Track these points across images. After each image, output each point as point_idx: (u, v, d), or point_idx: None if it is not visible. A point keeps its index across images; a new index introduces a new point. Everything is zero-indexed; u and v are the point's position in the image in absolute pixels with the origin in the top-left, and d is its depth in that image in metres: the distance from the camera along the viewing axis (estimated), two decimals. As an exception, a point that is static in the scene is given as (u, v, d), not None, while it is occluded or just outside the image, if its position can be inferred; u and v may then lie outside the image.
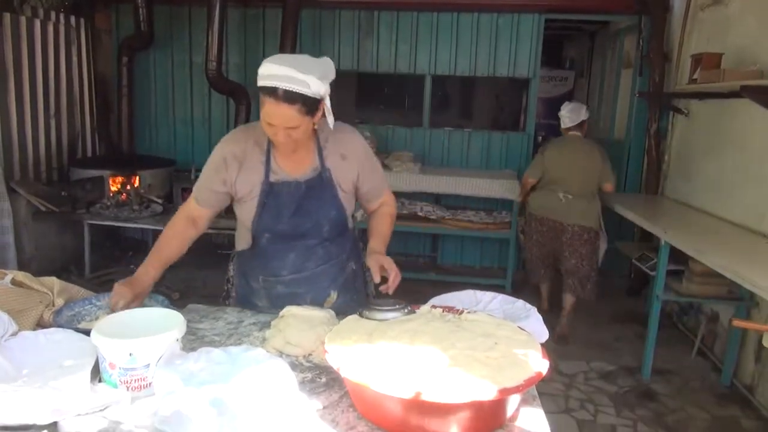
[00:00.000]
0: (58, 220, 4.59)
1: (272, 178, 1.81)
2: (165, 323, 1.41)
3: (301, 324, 1.51)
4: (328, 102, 1.70)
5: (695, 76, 3.76)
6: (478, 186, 4.82)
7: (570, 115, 4.07)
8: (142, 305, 1.71)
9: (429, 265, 5.52)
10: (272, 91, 1.58)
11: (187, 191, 4.92)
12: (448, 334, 1.30)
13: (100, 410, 1.24)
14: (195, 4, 5.39)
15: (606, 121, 6.20)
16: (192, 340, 1.62)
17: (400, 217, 5.32)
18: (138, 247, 5.48)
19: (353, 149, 1.88)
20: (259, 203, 1.83)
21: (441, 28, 5.36)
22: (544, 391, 3.27)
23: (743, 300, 3.37)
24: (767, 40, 3.39)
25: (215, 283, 4.76)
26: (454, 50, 5.39)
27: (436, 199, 5.35)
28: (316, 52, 5.76)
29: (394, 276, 1.74)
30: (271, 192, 1.81)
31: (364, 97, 7.73)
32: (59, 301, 1.71)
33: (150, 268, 1.78)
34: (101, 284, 4.49)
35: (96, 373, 1.35)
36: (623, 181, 5.40)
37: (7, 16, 4.30)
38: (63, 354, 1.41)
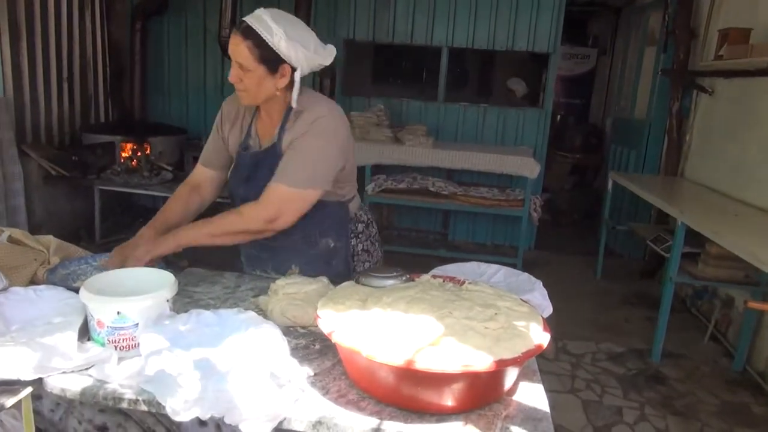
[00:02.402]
0: (68, 184, 4.59)
1: (248, 143, 1.81)
2: (156, 283, 1.37)
3: (297, 300, 1.46)
4: (297, 76, 1.63)
5: (722, 52, 3.61)
6: (492, 161, 4.72)
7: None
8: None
9: (439, 242, 5.47)
10: (239, 24, 1.60)
11: (197, 160, 4.90)
12: (446, 302, 1.24)
13: (86, 368, 1.21)
14: (209, -31, 5.31)
15: (627, 100, 6.04)
16: (187, 303, 1.59)
17: (410, 192, 5.27)
18: (148, 214, 5.44)
19: (300, 131, 1.68)
20: (233, 166, 1.85)
21: (459, -1, 5.22)
22: (549, 370, 3.23)
23: (760, 285, 3.28)
24: (800, 15, 3.24)
25: (225, 252, 4.79)
26: (473, 22, 5.25)
27: (449, 174, 5.27)
28: (332, 21, 5.66)
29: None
30: (239, 157, 1.82)
31: (380, 70, 7.61)
32: (55, 260, 1.69)
33: (147, 229, 1.77)
34: (111, 250, 4.51)
35: (85, 332, 1.32)
36: (642, 162, 5.27)
37: (19, -23, 4.25)
38: (52, 310, 1.38)
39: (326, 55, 1.67)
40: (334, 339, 1.14)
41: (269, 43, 1.56)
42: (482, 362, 1.05)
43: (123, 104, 5.56)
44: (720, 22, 4.17)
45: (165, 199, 5.30)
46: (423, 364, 1.04)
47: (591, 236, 5.96)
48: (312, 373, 1.24)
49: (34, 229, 4.33)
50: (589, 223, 6.39)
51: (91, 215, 4.64)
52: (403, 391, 1.11)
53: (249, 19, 1.58)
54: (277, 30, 1.56)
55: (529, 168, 4.64)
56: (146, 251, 1.63)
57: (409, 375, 1.07)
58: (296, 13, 4.78)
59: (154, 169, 4.65)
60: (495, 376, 1.11)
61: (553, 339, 3.50)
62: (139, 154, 4.66)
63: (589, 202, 6.67)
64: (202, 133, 5.19)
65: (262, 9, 1.60)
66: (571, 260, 5.31)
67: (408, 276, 1.44)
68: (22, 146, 4.31)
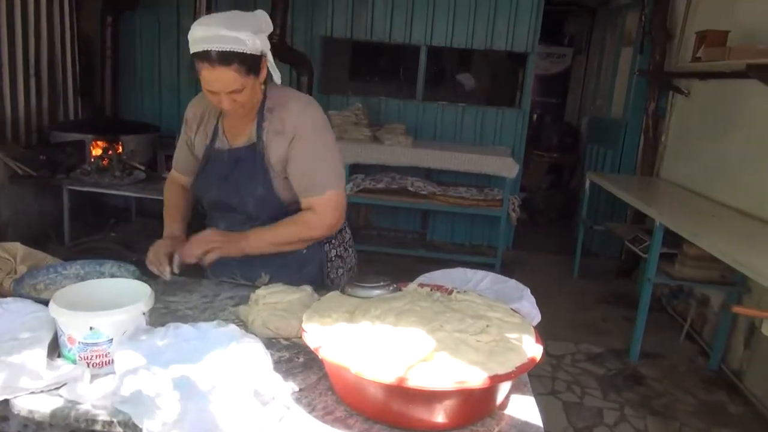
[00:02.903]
0: (36, 184, 4.42)
1: (216, 144, 1.74)
2: (132, 295, 1.31)
3: (279, 311, 1.40)
4: (270, 57, 1.58)
5: (699, 54, 3.64)
6: (471, 161, 4.71)
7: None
8: (112, 277, 1.61)
9: (418, 242, 5.44)
10: (205, 56, 1.45)
11: (170, 158, 4.77)
12: (436, 314, 1.21)
13: (57, 388, 1.14)
14: (183, -36, 5.18)
15: (603, 99, 6.09)
16: (163, 314, 1.52)
17: (389, 192, 5.23)
18: (120, 215, 5.34)
19: (294, 124, 1.63)
20: (200, 169, 1.79)
21: (438, -2, 5.19)
22: (531, 372, 3.20)
23: (736, 285, 3.32)
24: (775, 19, 3.28)
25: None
26: (451, 21, 5.23)
27: (427, 174, 5.24)
28: (309, 18, 5.56)
29: (197, 242, 1.65)
30: (208, 159, 1.76)
31: (358, 68, 7.55)
32: (22, 269, 1.61)
33: (175, 228, 1.79)
34: (81, 252, 4.37)
35: (55, 347, 1.25)
36: (618, 162, 5.31)
37: (-17, -31, 4.08)
38: (19, 325, 1.30)
39: (266, 22, 1.57)
40: (321, 355, 1.09)
41: (247, 52, 1.48)
42: (476, 378, 1.02)
43: (94, 101, 5.40)
44: (696, 24, 4.22)
45: (138, 199, 5.16)
46: (416, 382, 1.00)
47: (568, 235, 6.00)
48: (297, 389, 1.19)
49: (0, 231, 4.19)
50: (566, 223, 6.44)
51: (60, 216, 4.49)
52: (394, 408, 1.07)
53: (213, 46, 1.44)
54: (241, 35, 1.46)
55: (508, 168, 4.64)
56: (202, 250, 1.63)
57: (401, 392, 1.03)
58: (273, 11, 4.71)
59: (126, 168, 4.52)
60: (488, 391, 1.07)
61: (537, 331, 3.53)
62: (110, 152, 4.51)
63: (566, 201, 6.72)
64: (176, 131, 5.04)
65: (204, 27, 1.46)
66: (548, 259, 5.34)
67: (395, 285, 1.40)
68: (-13, 145, 4.16)
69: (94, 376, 1.19)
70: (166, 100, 5.59)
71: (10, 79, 4.44)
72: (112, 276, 1.63)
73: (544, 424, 1.15)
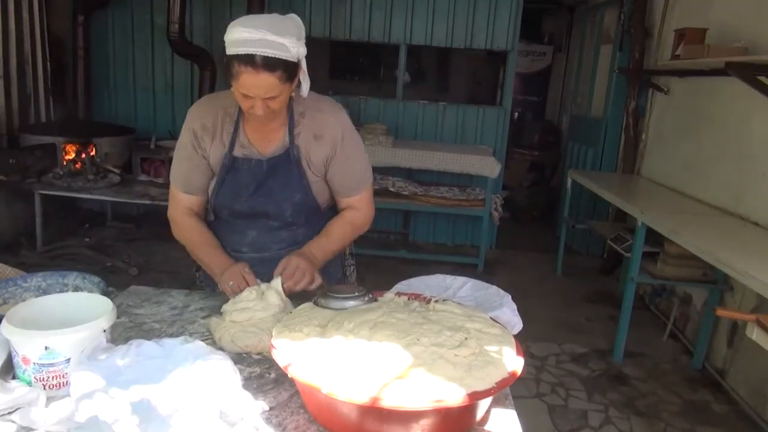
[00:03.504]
0: (6, 189, 4.30)
1: (237, 152, 1.64)
2: (92, 311, 1.23)
3: (249, 327, 1.33)
4: (305, 65, 1.52)
5: (678, 52, 3.63)
6: (452, 161, 4.66)
7: None
8: (76, 289, 1.54)
9: (400, 242, 5.39)
10: (249, 59, 1.38)
11: (146, 161, 4.68)
12: (413, 326, 1.15)
13: (9, 413, 1.07)
14: (157, -39, 5.07)
15: (584, 97, 6.08)
16: (129, 328, 1.46)
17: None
18: (95, 219, 5.22)
19: (330, 129, 1.64)
20: (219, 178, 1.66)
21: (417, -5, 5.14)
22: (514, 374, 3.18)
23: (717, 283, 3.31)
24: (752, 17, 3.28)
25: (177, 257, 4.60)
26: (431, 19, 5.18)
27: (409, 174, 5.19)
28: (286, 17, 5.38)
29: (289, 275, 1.52)
30: (232, 167, 1.65)
31: (337, 67, 7.48)
32: (-22, 282, 1.52)
33: (225, 260, 1.64)
34: (54, 258, 4.26)
35: (9, 368, 1.17)
36: (599, 159, 5.31)
37: (-55, -34, 3.94)
38: (-29, 345, 1.22)
39: (303, 28, 1.52)
40: (291, 373, 1.04)
41: (289, 59, 1.42)
42: (454, 396, 0.97)
43: (65, 103, 5.26)
44: (674, 22, 4.21)
45: (113, 203, 5.04)
46: (390, 402, 0.95)
47: (550, 233, 6.00)
48: (267, 408, 1.13)
49: (-31, 238, 4.06)
50: (549, 220, 6.44)
51: (32, 221, 4.36)
52: (368, 429, 1.01)
53: (258, 50, 1.37)
54: (286, 41, 1.40)
55: (490, 167, 4.61)
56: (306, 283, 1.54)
57: (375, 413, 0.98)
58: (249, 6, 4.62)
59: (100, 171, 4.41)
60: (467, 409, 1.02)
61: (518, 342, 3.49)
62: (82, 155, 4.40)
63: (548, 199, 6.72)
64: (152, 133, 4.96)
65: (249, 29, 1.38)
66: (531, 258, 5.32)
67: (371, 295, 1.34)
68: (-46, 149, 4.02)
69: (50, 399, 1.12)
70: (141, 101, 5.47)
71: (-23, 81, 4.30)
72: (76, 288, 1.56)
73: (529, 428, 1.10)
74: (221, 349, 1.30)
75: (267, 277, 1.54)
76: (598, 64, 5.67)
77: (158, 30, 5.22)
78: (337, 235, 1.71)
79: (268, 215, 1.70)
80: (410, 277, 1.61)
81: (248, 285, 1.50)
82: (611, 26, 5.35)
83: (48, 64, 5.05)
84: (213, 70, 4.92)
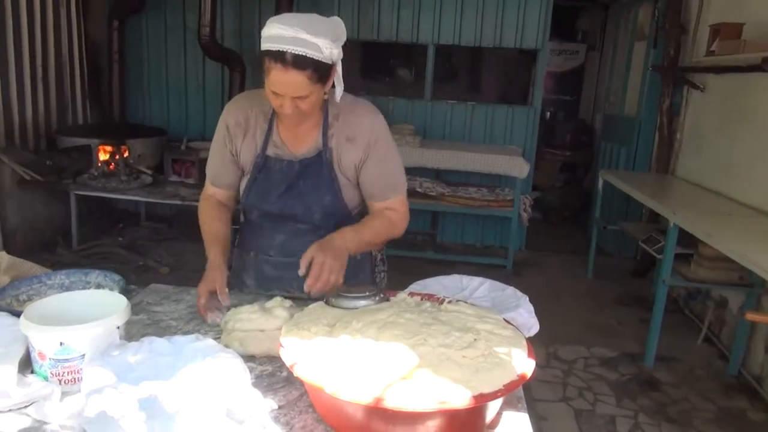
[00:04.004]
0: (44, 190, 4.44)
1: (270, 151, 1.64)
2: (109, 308, 1.25)
3: (257, 334, 1.32)
4: (340, 68, 1.51)
5: (713, 48, 3.52)
6: (480, 161, 4.62)
7: None
8: (98, 287, 1.57)
9: (428, 243, 5.36)
10: (280, 56, 1.38)
11: (177, 162, 4.77)
12: (421, 327, 1.13)
13: (25, 406, 1.10)
14: (189, -34, 5.17)
15: (617, 96, 5.95)
16: (146, 325, 1.48)
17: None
18: (129, 218, 5.35)
19: (364, 132, 1.62)
20: (251, 177, 1.67)
21: (446, -7, 5.11)
22: (541, 377, 3.13)
23: (754, 287, 3.19)
24: (793, 9, 3.16)
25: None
26: (459, 18, 5.15)
27: (437, 174, 5.16)
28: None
29: (315, 277, 1.42)
30: (264, 166, 1.65)
31: (366, 68, 7.49)
32: (4, 279, 1.57)
33: (218, 259, 1.59)
34: (88, 257, 4.38)
35: (28, 363, 1.20)
36: (633, 159, 5.18)
37: (-12, -25, 4.10)
38: (-7, 340, 1.26)
39: (343, 31, 1.50)
40: (296, 372, 1.03)
41: (321, 60, 1.41)
42: (459, 398, 0.95)
43: (101, 105, 5.41)
44: (710, 17, 4.09)
45: (147, 204, 5.15)
46: (393, 402, 0.93)
47: (582, 234, 5.89)
48: (276, 406, 1.13)
49: (9, 237, 4.20)
50: (580, 221, 6.32)
51: (69, 221, 4.49)
52: (374, 429, 1.00)
53: (290, 47, 1.37)
54: (320, 41, 1.39)
55: (518, 168, 4.55)
56: (325, 283, 1.44)
57: (379, 413, 0.97)
58: (278, 9, 4.66)
59: (133, 172, 4.51)
60: (474, 411, 1.00)
61: (544, 344, 3.43)
62: (116, 157, 4.51)
63: (580, 199, 6.59)
64: (184, 135, 5.05)
65: (284, 26, 1.38)
66: (562, 259, 5.23)
67: (383, 295, 1.33)
68: (-5, 151, 4.17)
69: (65, 394, 1.14)
70: (173, 103, 5.58)
71: (17, 85, 4.46)
72: (98, 286, 1.60)
73: (545, 430, 1.08)
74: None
75: (297, 283, 1.52)
76: (632, 62, 5.54)
77: (190, 33, 5.31)
78: (372, 228, 1.64)
79: (296, 218, 1.69)
80: None
81: (220, 304, 1.49)
82: (645, 23, 5.22)
83: (85, 68, 5.20)
84: (243, 71, 4.99)
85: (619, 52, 6.09)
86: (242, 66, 4.98)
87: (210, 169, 1.75)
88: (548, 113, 7.77)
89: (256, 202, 1.70)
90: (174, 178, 4.71)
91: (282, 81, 1.41)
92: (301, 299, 1.50)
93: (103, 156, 4.52)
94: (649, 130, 4.99)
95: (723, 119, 3.89)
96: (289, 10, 4.68)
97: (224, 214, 1.75)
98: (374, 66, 7.47)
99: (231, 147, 1.67)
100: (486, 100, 6.32)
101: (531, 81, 5.99)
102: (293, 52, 1.37)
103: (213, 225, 1.71)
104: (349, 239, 1.56)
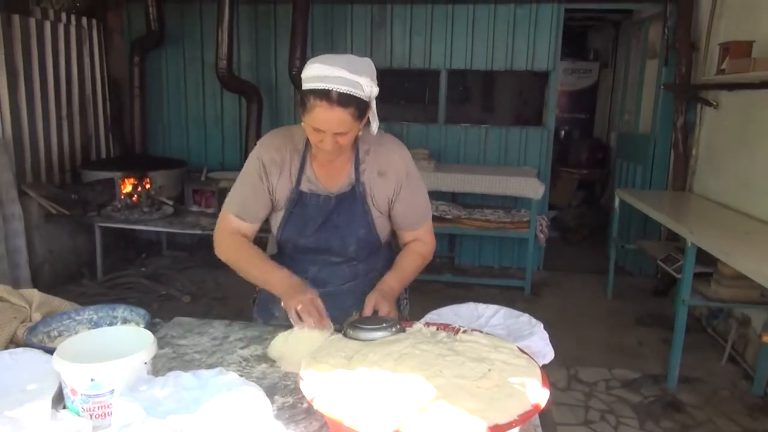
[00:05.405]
0: (69, 223, 4.57)
1: (304, 187, 1.70)
2: (137, 343, 1.31)
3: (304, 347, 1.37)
4: (374, 105, 1.58)
5: (723, 66, 3.54)
6: (495, 184, 4.65)
7: None
8: (124, 321, 1.63)
9: (446, 266, 5.38)
10: (325, 94, 1.45)
11: (197, 193, 4.88)
12: (437, 358, 1.17)
13: (58, 441, 1.15)
14: (205, 1, 5.33)
15: (631, 114, 5.96)
16: (172, 359, 1.52)
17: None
18: (152, 248, 5.45)
19: (395, 166, 1.70)
20: (286, 213, 1.72)
21: (456, 21, 5.20)
22: (562, 401, 3.12)
23: (777, 305, 3.16)
24: (802, 26, 3.17)
25: (228, 284, 4.75)
26: (470, 44, 5.23)
27: (453, 197, 5.21)
28: (329, 46, 5.61)
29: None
30: (299, 202, 1.70)
31: (380, 93, 7.58)
32: (37, 316, 1.63)
33: (279, 273, 1.62)
34: (113, 287, 4.47)
35: (61, 398, 1.26)
36: (649, 177, 5.17)
37: (16, 18, 4.27)
38: (28, 376, 1.31)
39: (374, 70, 1.57)
40: (316, 406, 1.07)
41: (362, 97, 1.49)
42: (474, 430, 0.97)
43: (123, 139, 5.56)
44: (720, 35, 4.11)
45: (168, 234, 5.25)
46: (410, 434, 0.96)
47: (601, 253, 5.85)
48: (297, 438, 1.17)
49: (36, 270, 4.32)
50: (599, 240, 6.28)
51: (93, 253, 4.61)
52: (392, 460, 1.03)
53: (335, 86, 1.44)
54: (361, 80, 1.47)
55: (533, 189, 4.57)
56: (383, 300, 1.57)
57: (397, 445, 1.00)
58: (292, 42, 4.79)
59: (155, 203, 4.63)
60: (490, 442, 1.03)
61: (565, 367, 3.42)
62: (138, 189, 4.63)
63: (598, 217, 6.56)
64: (203, 165, 5.17)
65: (327, 66, 1.45)
66: (581, 279, 5.20)
67: (399, 326, 1.36)
68: (22, 186, 4.31)
69: (96, 428, 1.18)
70: (193, 134, 5.72)
71: (44, 122, 4.62)
72: (125, 320, 1.65)
73: None
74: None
75: (332, 313, 1.55)
76: (645, 80, 5.56)
77: (208, 66, 5.47)
78: (410, 267, 1.74)
79: (331, 251, 1.75)
80: (456, 300, 1.64)
81: (319, 319, 1.47)
82: (656, 41, 5.25)
83: (108, 103, 5.37)
84: (260, 102, 5.11)
85: (631, 70, 6.12)
86: (259, 97, 5.10)
87: (236, 202, 1.73)
88: (563, 132, 7.79)
89: (292, 236, 1.74)
90: (195, 208, 4.81)
91: (326, 118, 1.47)
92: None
93: (126, 188, 4.64)
94: (665, 147, 4.99)
95: (738, 135, 3.88)
96: (304, 42, 4.81)
97: (248, 242, 1.75)
98: (388, 92, 7.58)
99: (267, 183, 1.70)
100: (500, 120, 6.38)
101: (544, 102, 6.03)
102: (338, 90, 1.44)
103: (253, 250, 1.70)
104: (396, 285, 1.67)
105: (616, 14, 6.68)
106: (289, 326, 1.54)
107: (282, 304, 1.56)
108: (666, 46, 4.80)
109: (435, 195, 5.02)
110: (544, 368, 1.22)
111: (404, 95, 7.67)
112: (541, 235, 4.86)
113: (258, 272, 1.67)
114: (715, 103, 4.20)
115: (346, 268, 1.79)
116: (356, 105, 1.48)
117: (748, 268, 2.54)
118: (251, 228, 1.75)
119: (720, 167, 4.13)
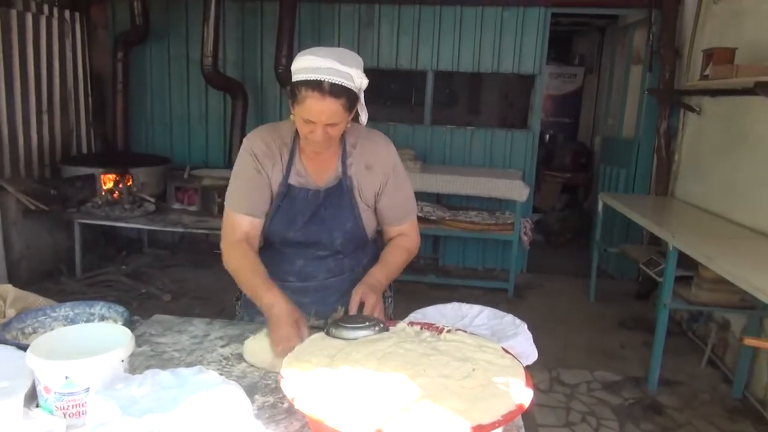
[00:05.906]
0: (48, 218, 4.48)
1: (293, 180, 1.68)
2: (113, 341, 1.27)
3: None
4: (362, 97, 1.58)
5: (707, 72, 3.57)
6: (480, 185, 4.66)
7: None
8: (102, 318, 1.59)
9: (430, 267, 5.37)
10: (317, 85, 1.44)
11: (180, 190, 4.82)
12: (421, 357, 1.15)
13: (30, 440, 1.11)
14: (191, -4, 5.28)
15: (615, 118, 6.01)
16: (150, 357, 1.49)
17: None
18: (133, 246, 5.37)
19: (382, 160, 1.70)
20: (274, 206, 1.70)
21: (444, 22, 5.20)
22: (543, 402, 3.12)
23: (756, 309, 3.19)
24: (784, 34, 3.21)
25: (210, 283, 4.70)
26: (457, 45, 5.23)
27: (438, 198, 5.20)
28: (316, 45, 5.58)
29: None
30: (288, 195, 1.69)
31: (367, 94, 7.57)
32: (11, 312, 1.59)
33: (274, 294, 1.51)
34: (92, 285, 4.40)
35: (34, 396, 1.22)
36: (632, 181, 5.22)
37: (-4, 10, 4.20)
38: (0, 373, 1.28)
39: (361, 63, 1.55)
40: (297, 405, 1.05)
41: (352, 88, 1.49)
42: (458, 430, 0.96)
43: (105, 134, 5.48)
44: (704, 41, 4.15)
45: (150, 232, 5.18)
46: (393, 435, 0.95)
47: (584, 256, 5.88)
48: (277, 438, 1.15)
49: (13, 265, 4.23)
50: (582, 243, 6.33)
51: (72, 249, 4.53)
52: (374, 461, 1.01)
53: (327, 77, 1.43)
54: (351, 71, 1.47)
55: (518, 191, 4.58)
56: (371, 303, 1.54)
57: (379, 445, 0.98)
58: (279, 39, 4.75)
59: (136, 200, 4.56)
60: (473, 442, 1.01)
61: (547, 368, 3.43)
62: (120, 185, 4.56)
63: (581, 221, 6.61)
64: (187, 163, 5.11)
65: (318, 57, 1.44)
66: (564, 282, 5.23)
67: (382, 325, 1.35)
68: (0, 180, 4.22)
69: (70, 427, 1.15)
70: (177, 131, 5.65)
71: (23, 116, 4.53)
72: (102, 318, 1.61)
73: None
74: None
75: (315, 308, 1.58)
76: (629, 85, 5.62)
77: (193, 63, 5.41)
78: (396, 262, 1.74)
79: (318, 244, 1.74)
80: (440, 301, 1.63)
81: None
82: (641, 47, 5.30)
83: (90, 98, 5.28)
84: (245, 100, 5.06)
85: (616, 75, 6.17)
86: (244, 95, 5.05)
87: (239, 200, 1.66)
88: (548, 136, 7.84)
89: (280, 229, 1.73)
90: (177, 205, 4.75)
91: (318, 109, 1.47)
92: (317, 328, 1.49)
93: (106, 185, 4.57)
94: (648, 152, 5.03)
95: (721, 141, 3.93)
96: (291, 40, 4.78)
97: (255, 254, 1.66)
98: (374, 92, 7.56)
99: (265, 175, 1.67)
100: (486, 122, 6.39)
101: (530, 105, 6.06)
102: (330, 81, 1.44)
103: (257, 264, 1.61)
104: (383, 280, 1.66)
105: (601, 20, 6.74)
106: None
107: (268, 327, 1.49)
108: (650, 52, 4.84)
109: (420, 196, 5.00)
110: (527, 369, 1.22)
111: (391, 96, 7.65)
112: (525, 238, 4.87)
113: (250, 290, 1.59)
114: (698, 109, 4.25)
115: (332, 262, 1.78)
116: (347, 96, 1.48)
117: (730, 271, 2.57)
118: (258, 224, 1.69)
119: (702, 172, 4.17)
